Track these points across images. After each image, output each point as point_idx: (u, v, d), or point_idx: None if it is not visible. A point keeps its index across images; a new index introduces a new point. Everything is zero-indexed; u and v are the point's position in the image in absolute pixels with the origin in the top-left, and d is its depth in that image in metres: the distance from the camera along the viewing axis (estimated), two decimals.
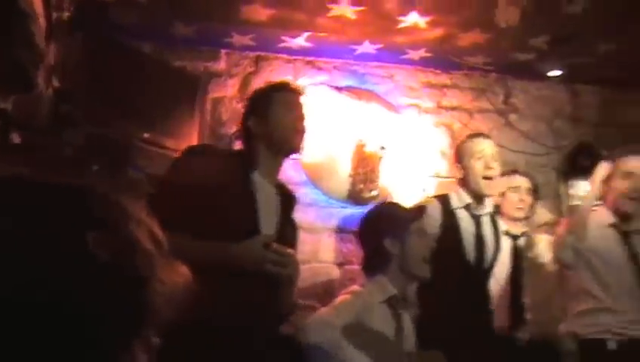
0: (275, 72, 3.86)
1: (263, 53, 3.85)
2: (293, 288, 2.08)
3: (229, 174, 2.03)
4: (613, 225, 2.79)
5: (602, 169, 2.78)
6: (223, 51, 3.83)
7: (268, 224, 2.07)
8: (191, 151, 2.23)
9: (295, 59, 3.90)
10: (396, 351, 2.27)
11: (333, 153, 3.77)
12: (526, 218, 3.28)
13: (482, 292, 2.85)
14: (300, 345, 2.15)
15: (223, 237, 1.93)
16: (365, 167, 3.75)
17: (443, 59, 3.88)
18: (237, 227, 1.98)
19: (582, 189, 4.11)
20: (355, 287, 2.41)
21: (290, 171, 3.80)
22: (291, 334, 2.21)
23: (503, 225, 3.10)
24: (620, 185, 2.77)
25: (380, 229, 2.36)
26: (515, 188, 3.26)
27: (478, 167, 2.85)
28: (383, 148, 3.77)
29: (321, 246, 3.77)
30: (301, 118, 2.15)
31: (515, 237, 3.19)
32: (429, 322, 2.47)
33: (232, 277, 1.90)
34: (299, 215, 3.79)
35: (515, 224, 3.23)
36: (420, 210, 2.53)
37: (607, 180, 2.80)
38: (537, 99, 4.23)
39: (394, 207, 2.64)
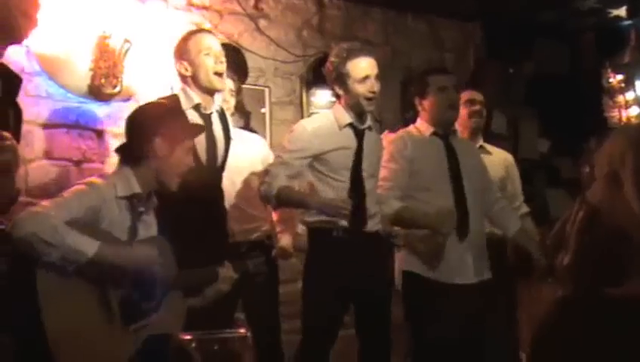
0: None
1: None
2: (12, 175, 1.93)
3: None
4: (350, 125, 2.93)
5: None
6: None
7: None
8: None
9: None
10: None
11: (72, 44, 3.48)
12: None
13: (216, 191, 2.90)
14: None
15: None
16: (107, 60, 3.53)
17: None
18: None
19: (322, 98, 4.38)
20: (94, 178, 2.27)
21: (22, 60, 3.46)
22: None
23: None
24: (359, 88, 2.87)
25: (154, 130, 2.29)
26: None
27: (208, 62, 2.81)
28: (127, 41, 3.58)
29: (55, 142, 3.53)
30: None
31: None
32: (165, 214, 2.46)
33: None
34: (32, 109, 3.54)
35: None
36: (199, 128, 2.61)
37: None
38: (287, 7, 4.32)
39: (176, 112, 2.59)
